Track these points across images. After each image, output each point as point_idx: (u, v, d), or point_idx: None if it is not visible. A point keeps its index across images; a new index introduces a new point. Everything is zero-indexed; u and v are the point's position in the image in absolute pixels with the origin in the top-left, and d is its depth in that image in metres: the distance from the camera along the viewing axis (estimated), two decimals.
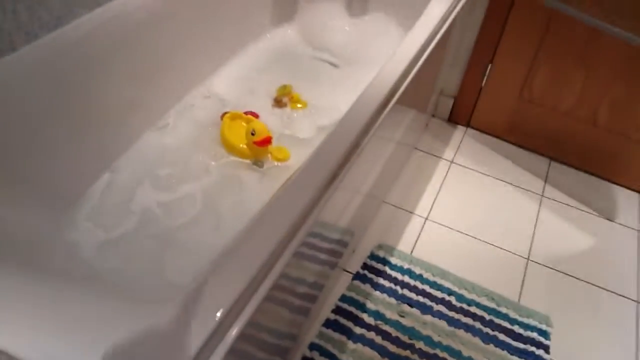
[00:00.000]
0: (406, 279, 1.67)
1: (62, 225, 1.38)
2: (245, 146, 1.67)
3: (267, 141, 1.65)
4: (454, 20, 1.78)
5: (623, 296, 1.75)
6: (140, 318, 0.80)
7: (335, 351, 1.46)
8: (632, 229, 2.00)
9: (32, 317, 0.82)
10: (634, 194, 2.15)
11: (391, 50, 2.02)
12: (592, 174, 2.21)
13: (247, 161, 1.69)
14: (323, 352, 1.46)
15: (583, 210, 2.04)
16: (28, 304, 0.83)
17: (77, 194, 1.47)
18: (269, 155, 1.70)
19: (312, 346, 1.46)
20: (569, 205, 2.04)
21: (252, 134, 1.64)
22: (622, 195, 2.14)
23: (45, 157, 1.35)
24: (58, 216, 1.39)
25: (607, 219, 2.02)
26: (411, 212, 1.92)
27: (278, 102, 1.92)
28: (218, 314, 0.82)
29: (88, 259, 1.31)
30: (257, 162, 1.68)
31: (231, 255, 0.92)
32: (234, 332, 0.86)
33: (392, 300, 1.61)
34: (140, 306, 0.81)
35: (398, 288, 1.64)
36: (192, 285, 0.84)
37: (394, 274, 1.68)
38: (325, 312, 1.55)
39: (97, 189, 1.51)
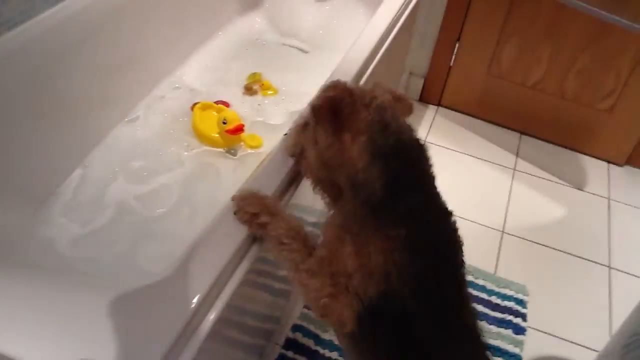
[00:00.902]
0: None
1: (36, 221, 1.38)
2: (217, 135, 1.67)
3: (239, 129, 1.65)
4: (418, 1, 1.79)
5: (595, 262, 1.80)
6: (111, 305, 0.81)
7: (318, 331, 1.48)
8: (602, 197, 2.05)
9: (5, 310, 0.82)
10: (603, 163, 2.20)
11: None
12: (561, 145, 2.26)
13: (221, 150, 1.69)
14: (306, 332, 1.47)
15: (554, 182, 2.08)
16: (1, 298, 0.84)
17: (50, 190, 1.47)
18: (242, 143, 1.70)
19: (295, 328, 1.48)
20: (540, 177, 2.08)
21: (224, 123, 1.64)
22: (591, 165, 2.19)
23: (13, 155, 1.34)
24: (31, 213, 1.39)
25: (578, 189, 2.07)
26: None
27: (248, 90, 1.92)
28: (195, 300, 0.84)
29: (62, 253, 1.31)
30: (231, 151, 1.68)
31: (206, 241, 0.93)
32: (211, 316, 0.87)
33: None
34: (111, 294, 0.82)
35: None
36: (167, 271, 0.85)
37: None
38: (299, 310, 1.57)
39: (70, 184, 1.50)
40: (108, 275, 1.28)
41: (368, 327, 0.83)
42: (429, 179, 0.86)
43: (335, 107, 0.83)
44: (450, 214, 0.85)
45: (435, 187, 0.87)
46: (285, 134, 1.11)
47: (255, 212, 0.93)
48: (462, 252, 0.85)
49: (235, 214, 0.94)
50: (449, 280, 0.84)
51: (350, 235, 0.83)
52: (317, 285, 0.85)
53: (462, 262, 0.86)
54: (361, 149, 0.82)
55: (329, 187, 0.92)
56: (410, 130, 0.87)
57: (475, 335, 0.85)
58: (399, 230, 0.79)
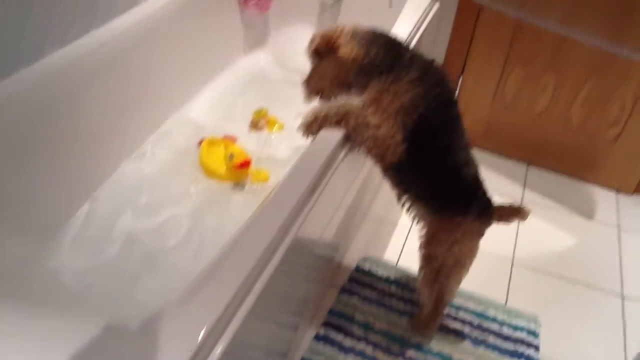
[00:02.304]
0: (393, 289, 1.68)
1: (43, 254, 1.39)
2: (224, 170, 1.69)
3: (246, 164, 1.67)
4: (422, 35, 1.82)
5: (607, 291, 1.77)
6: (115, 339, 0.81)
7: None
8: (612, 226, 2.03)
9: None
10: (611, 192, 2.19)
11: None
12: (569, 175, 2.25)
13: (227, 184, 1.70)
14: None
15: (563, 211, 2.07)
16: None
17: (58, 224, 1.48)
18: (249, 177, 1.72)
19: None
20: (549, 207, 2.07)
21: (231, 158, 1.66)
22: (600, 194, 2.18)
23: (23, 189, 1.36)
24: (39, 246, 1.39)
25: (587, 218, 2.05)
26: (395, 223, 1.94)
27: (255, 126, 1.95)
28: (201, 333, 0.83)
29: (68, 286, 1.31)
30: (237, 185, 1.70)
31: (212, 274, 0.93)
32: (218, 350, 0.86)
33: (381, 311, 1.61)
34: (115, 328, 0.82)
35: (386, 298, 1.65)
36: (171, 304, 0.85)
37: (381, 285, 1.69)
38: (315, 326, 1.56)
39: (79, 218, 1.52)
40: (112, 309, 1.28)
41: (410, 147, 1.19)
42: (402, 44, 1.26)
43: (327, 42, 1.25)
44: (433, 60, 1.23)
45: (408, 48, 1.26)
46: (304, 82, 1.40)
47: (311, 120, 1.25)
48: (448, 77, 1.24)
49: (301, 130, 1.27)
50: (451, 101, 1.23)
51: (381, 92, 1.18)
52: (384, 132, 1.18)
53: (451, 89, 1.25)
54: (354, 47, 1.22)
55: (348, 88, 1.27)
56: (375, 28, 1.26)
57: (470, 152, 1.27)
58: (414, 74, 1.17)
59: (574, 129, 2.14)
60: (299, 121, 1.28)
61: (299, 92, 2.21)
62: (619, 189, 2.20)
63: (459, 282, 1.39)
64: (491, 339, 1.57)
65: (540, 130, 2.19)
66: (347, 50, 1.21)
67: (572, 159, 2.22)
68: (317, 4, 2.28)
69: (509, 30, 2.02)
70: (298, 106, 2.07)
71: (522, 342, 1.56)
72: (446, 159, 1.23)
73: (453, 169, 1.24)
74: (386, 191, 2.05)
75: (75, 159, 1.52)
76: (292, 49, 2.33)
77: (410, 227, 1.93)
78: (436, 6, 1.97)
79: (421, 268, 1.39)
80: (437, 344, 1.54)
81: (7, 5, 1.31)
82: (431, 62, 1.23)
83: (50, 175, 1.43)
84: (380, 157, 1.23)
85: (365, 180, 1.68)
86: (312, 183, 1.15)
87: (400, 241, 1.87)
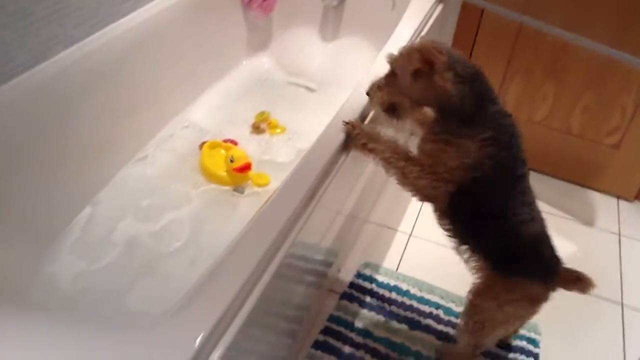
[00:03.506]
0: (393, 295, 1.68)
1: (44, 259, 1.39)
2: (225, 173, 1.69)
3: (246, 167, 1.66)
4: (425, 38, 1.82)
5: (607, 299, 1.76)
6: (112, 344, 0.81)
7: None
8: (613, 233, 2.02)
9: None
10: (612, 199, 2.19)
11: (366, 72, 2.06)
12: (570, 181, 2.24)
13: (228, 188, 1.70)
14: None
15: (564, 218, 2.06)
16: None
17: (58, 229, 1.48)
18: (250, 181, 1.71)
19: None
20: (550, 213, 2.07)
21: (231, 161, 1.66)
22: (601, 201, 2.17)
23: (23, 194, 1.36)
24: (39, 251, 1.40)
25: (588, 225, 2.05)
26: (395, 229, 1.94)
27: (256, 129, 1.94)
28: (198, 340, 0.83)
29: (67, 291, 1.31)
30: (238, 189, 1.69)
31: (211, 279, 0.92)
32: (215, 357, 0.86)
33: (380, 318, 1.61)
34: (114, 332, 0.82)
35: (386, 305, 1.65)
36: (169, 310, 0.84)
37: (381, 291, 1.69)
38: (314, 333, 1.55)
39: (79, 222, 1.52)
40: (109, 314, 1.28)
41: (462, 202, 1.15)
42: (493, 91, 1.15)
43: (429, 61, 1.09)
44: (510, 115, 1.16)
45: (497, 96, 1.15)
46: (368, 94, 1.27)
47: (364, 142, 1.22)
48: (521, 137, 1.18)
49: (349, 142, 1.26)
50: (519, 160, 1.17)
51: (447, 143, 1.12)
52: (423, 184, 1.15)
53: (522, 147, 1.18)
54: (451, 81, 1.09)
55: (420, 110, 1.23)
56: (467, 59, 1.14)
57: (538, 209, 1.21)
58: (488, 133, 1.10)
59: (574, 137, 2.13)
60: (346, 119, 1.28)
61: (301, 94, 2.23)
62: (619, 196, 2.19)
63: (505, 334, 1.36)
64: (491, 348, 1.56)
65: (541, 137, 2.19)
66: (442, 80, 1.09)
67: (573, 166, 2.21)
68: (320, 5, 2.28)
69: (511, 38, 2.02)
70: (300, 110, 2.08)
71: (522, 350, 1.56)
72: (506, 217, 1.16)
73: (513, 226, 1.17)
74: (387, 196, 2.05)
75: (76, 163, 1.52)
76: (294, 51, 2.33)
77: (411, 233, 1.92)
78: (439, 8, 1.97)
79: (465, 314, 1.32)
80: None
81: (6, 11, 1.31)
82: (509, 119, 1.16)
83: (50, 180, 1.43)
84: (425, 200, 1.21)
85: (365, 185, 1.68)
86: (312, 188, 1.14)
87: (401, 247, 1.87)
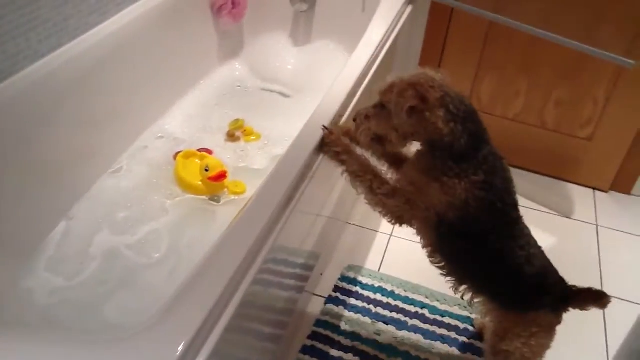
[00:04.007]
0: (379, 297, 1.67)
1: (19, 276, 1.36)
2: (200, 183, 1.67)
3: (221, 176, 1.65)
4: (395, 40, 1.83)
5: None
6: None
7: None
8: (590, 223, 2.05)
9: None
10: (588, 190, 2.22)
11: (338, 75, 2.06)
12: (546, 175, 2.27)
13: (204, 197, 1.68)
14: None
15: (542, 211, 2.08)
16: None
17: (34, 244, 1.44)
18: (226, 189, 1.69)
19: None
20: (527, 207, 2.09)
21: (206, 170, 1.64)
22: (577, 193, 2.20)
23: None
24: (15, 268, 1.36)
25: (566, 217, 2.07)
26: (375, 230, 1.93)
27: (231, 137, 1.93)
28: (179, 349, 0.81)
29: (42, 307, 1.28)
30: (214, 198, 1.67)
31: (190, 287, 0.91)
32: None
33: (367, 320, 1.60)
34: (94, 346, 0.79)
35: (371, 307, 1.64)
36: (149, 321, 0.83)
37: (366, 293, 1.68)
38: (301, 338, 1.54)
39: (55, 237, 1.49)
40: (86, 328, 1.25)
41: (451, 240, 1.15)
42: (487, 132, 1.12)
43: (423, 97, 1.05)
44: (503, 157, 1.14)
45: (489, 137, 1.13)
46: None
47: (338, 151, 1.21)
48: (513, 182, 1.16)
49: (323, 147, 1.24)
50: (512, 205, 1.15)
51: (433, 179, 1.09)
52: (394, 203, 1.15)
53: (515, 190, 1.16)
54: (443, 119, 1.06)
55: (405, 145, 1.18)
56: (464, 98, 1.10)
57: (536, 244, 1.19)
58: (479, 176, 1.07)
59: (549, 130, 2.16)
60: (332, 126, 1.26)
61: (275, 100, 2.22)
62: (595, 187, 2.22)
63: None
64: (479, 344, 1.56)
65: (516, 132, 2.21)
66: (433, 117, 1.06)
67: (548, 159, 2.24)
68: (290, 10, 2.28)
69: (481, 35, 2.04)
70: (275, 116, 2.07)
71: None
72: (502, 262, 1.15)
73: (512, 270, 1.16)
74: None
75: (49, 177, 1.49)
76: (267, 57, 2.32)
77: (391, 233, 1.92)
78: (409, 9, 1.98)
79: None
80: (425, 352, 1.53)
81: None
82: (502, 163, 1.14)
83: (23, 195, 1.40)
84: (398, 222, 1.19)
85: (344, 187, 1.67)
86: (288, 192, 1.13)
87: (382, 248, 1.86)
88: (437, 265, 1.23)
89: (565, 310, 1.23)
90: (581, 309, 1.23)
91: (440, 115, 1.05)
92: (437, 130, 1.06)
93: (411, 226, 1.20)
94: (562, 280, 1.22)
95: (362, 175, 1.18)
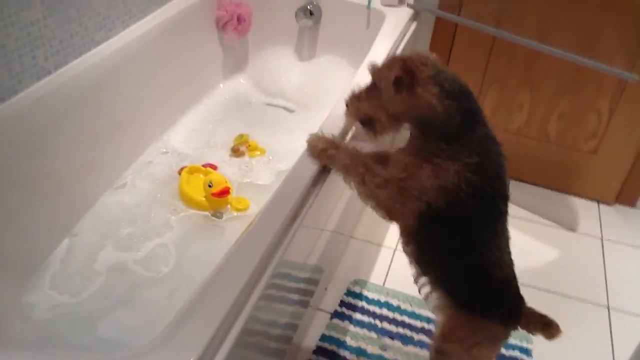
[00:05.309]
0: (384, 311, 1.66)
1: (23, 293, 1.35)
2: (203, 199, 1.67)
3: (225, 192, 1.65)
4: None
5: (594, 303, 1.77)
6: None
7: None
8: (595, 237, 2.04)
9: None
10: (593, 203, 2.21)
11: (344, 90, 2.07)
12: (551, 188, 2.27)
13: (207, 213, 1.68)
14: None
15: (546, 225, 2.08)
16: None
17: (38, 261, 1.44)
18: (229, 205, 1.69)
19: None
20: (532, 221, 2.08)
21: (210, 186, 1.64)
22: (582, 206, 2.20)
23: (1, 226, 1.33)
24: (18, 285, 1.36)
25: (570, 230, 2.06)
26: (380, 245, 1.93)
27: (235, 152, 1.93)
28: None
29: (44, 325, 1.28)
30: (216, 214, 1.67)
31: (197, 304, 0.91)
32: None
33: (373, 335, 1.59)
34: None
35: (377, 322, 1.63)
36: (157, 338, 0.82)
37: (371, 308, 1.67)
38: (307, 353, 1.53)
39: (59, 254, 1.48)
40: (86, 346, 1.25)
41: (432, 227, 1.08)
42: (482, 113, 1.08)
43: (410, 71, 1.02)
44: (497, 141, 1.09)
45: (485, 119, 1.08)
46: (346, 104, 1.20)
47: (324, 147, 1.19)
48: (507, 172, 1.10)
49: (308, 150, 1.22)
50: (502, 196, 1.09)
51: (425, 160, 1.04)
52: (387, 194, 1.09)
53: (508, 180, 1.10)
54: (438, 96, 1.02)
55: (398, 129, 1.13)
56: (459, 77, 1.07)
57: (509, 252, 1.13)
58: (473, 159, 1.02)
59: (552, 143, 2.16)
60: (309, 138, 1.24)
61: (280, 115, 2.22)
62: (600, 200, 2.22)
63: None
64: None
65: (519, 145, 2.21)
66: (426, 94, 1.02)
67: (552, 172, 2.23)
68: (295, 26, 2.29)
69: (485, 49, 2.05)
70: (279, 131, 2.07)
71: None
72: (476, 255, 1.09)
73: (482, 268, 1.10)
74: (370, 212, 2.05)
75: (53, 193, 1.49)
76: (272, 72, 2.34)
77: (395, 248, 1.92)
78: (414, 25, 2.00)
79: None
80: None
81: None
82: (498, 147, 1.09)
83: (27, 212, 1.40)
84: (389, 217, 1.14)
85: (348, 202, 1.67)
86: (294, 208, 1.14)
87: (387, 262, 1.86)
88: (406, 250, 1.17)
89: (515, 327, 1.16)
90: (529, 332, 1.17)
91: (435, 92, 1.02)
92: (431, 107, 1.02)
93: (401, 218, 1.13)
94: (521, 297, 1.17)
95: (354, 168, 1.14)
